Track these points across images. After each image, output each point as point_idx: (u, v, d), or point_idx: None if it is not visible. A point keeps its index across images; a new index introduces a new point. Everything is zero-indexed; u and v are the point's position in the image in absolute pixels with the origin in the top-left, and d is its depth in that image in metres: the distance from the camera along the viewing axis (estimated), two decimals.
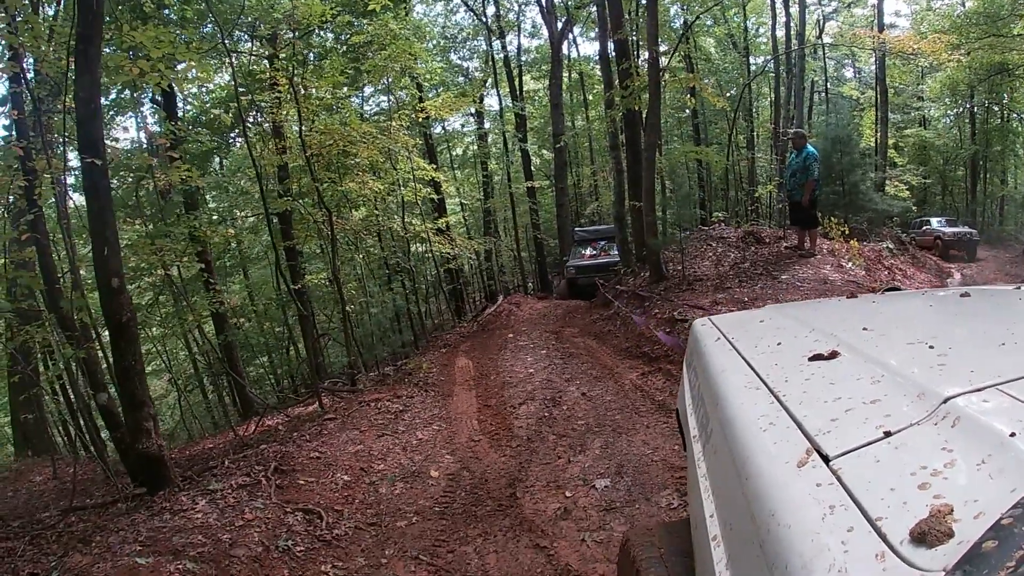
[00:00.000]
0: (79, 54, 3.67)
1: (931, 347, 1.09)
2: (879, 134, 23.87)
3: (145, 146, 10.34)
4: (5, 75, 5.14)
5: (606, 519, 3.48)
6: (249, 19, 10.58)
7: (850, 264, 9.12)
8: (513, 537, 3.49)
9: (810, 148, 8.93)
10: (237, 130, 12.77)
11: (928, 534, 0.56)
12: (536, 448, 4.66)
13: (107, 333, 4.69)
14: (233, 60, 8.08)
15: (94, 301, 5.73)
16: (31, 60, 5.75)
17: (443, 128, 22.97)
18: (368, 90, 16.21)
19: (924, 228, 19.65)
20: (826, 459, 0.78)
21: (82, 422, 7.84)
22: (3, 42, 5.31)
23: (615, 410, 5.18)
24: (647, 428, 4.64)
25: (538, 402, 5.80)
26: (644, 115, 10.33)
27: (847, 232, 10.46)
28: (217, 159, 16.67)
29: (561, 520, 3.56)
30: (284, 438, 5.76)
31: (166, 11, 9.09)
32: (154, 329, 9.98)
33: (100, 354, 5.73)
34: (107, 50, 6.12)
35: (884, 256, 10.85)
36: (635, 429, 4.66)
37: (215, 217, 13.68)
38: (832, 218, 11.53)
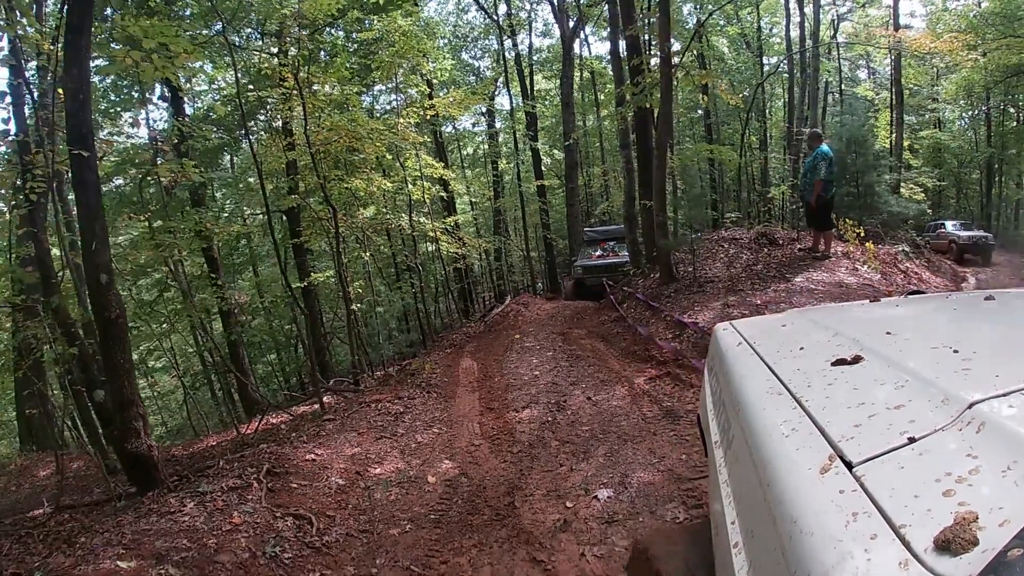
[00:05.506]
0: (68, 45, 3.56)
1: (955, 351, 1.06)
2: (894, 135, 23.47)
3: (146, 142, 10.27)
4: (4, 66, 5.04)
5: (607, 532, 3.31)
6: (256, 17, 10.51)
7: (865, 267, 8.88)
8: (509, 549, 3.33)
9: (823, 148, 8.65)
10: (247, 125, 12.73)
11: (953, 542, 0.55)
12: (537, 454, 4.49)
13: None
14: (233, 53, 7.96)
15: None
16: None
17: (454, 128, 22.89)
18: (378, 88, 16.11)
19: (939, 231, 19.40)
20: (849, 465, 0.77)
21: (80, 418, 7.78)
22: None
23: (621, 416, 5.01)
24: (654, 436, 4.45)
25: (542, 406, 5.63)
26: (656, 113, 10.13)
27: (862, 234, 10.20)
28: (228, 156, 16.66)
29: (560, 532, 3.39)
30: (282, 438, 5.65)
31: (175, 6, 8.99)
32: (155, 326, 9.91)
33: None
34: (114, 46, 6.06)
35: (899, 259, 10.57)
36: (641, 437, 4.48)
37: (224, 214, 13.62)
38: (847, 220, 11.26)
